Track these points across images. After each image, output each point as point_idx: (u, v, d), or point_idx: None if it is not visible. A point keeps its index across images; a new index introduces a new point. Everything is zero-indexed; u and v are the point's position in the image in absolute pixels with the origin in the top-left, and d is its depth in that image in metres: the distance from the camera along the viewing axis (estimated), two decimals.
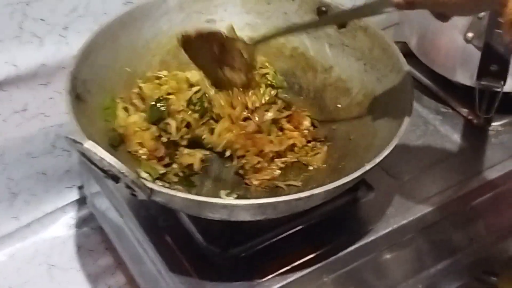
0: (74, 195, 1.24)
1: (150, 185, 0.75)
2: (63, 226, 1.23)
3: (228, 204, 0.78)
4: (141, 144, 0.94)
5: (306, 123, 1.02)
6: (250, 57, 0.96)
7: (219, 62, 0.98)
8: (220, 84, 0.99)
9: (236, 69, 0.97)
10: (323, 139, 1.01)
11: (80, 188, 1.23)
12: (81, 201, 1.24)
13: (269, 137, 0.97)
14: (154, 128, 0.96)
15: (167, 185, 0.92)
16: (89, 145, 0.72)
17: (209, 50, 0.97)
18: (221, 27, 1.10)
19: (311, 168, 0.97)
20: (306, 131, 1.01)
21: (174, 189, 0.91)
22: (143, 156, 0.94)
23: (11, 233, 1.19)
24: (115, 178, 0.73)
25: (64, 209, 1.24)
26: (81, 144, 0.71)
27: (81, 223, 1.25)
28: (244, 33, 1.10)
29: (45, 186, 1.19)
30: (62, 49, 1.06)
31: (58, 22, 1.04)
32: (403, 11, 0.79)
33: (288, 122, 1.01)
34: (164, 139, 0.96)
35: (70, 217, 1.24)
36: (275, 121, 0.99)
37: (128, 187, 0.74)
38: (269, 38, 1.00)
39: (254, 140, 0.95)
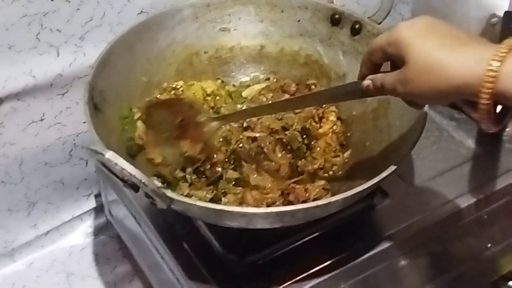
0: (91, 204, 1.25)
1: (170, 194, 0.76)
2: (80, 234, 1.24)
3: (247, 212, 0.78)
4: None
5: (332, 118, 1.04)
6: (213, 132, 0.95)
7: (179, 132, 0.96)
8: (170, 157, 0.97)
9: (194, 143, 0.95)
10: (344, 143, 1.02)
11: (97, 196, 1.24)
12: (98, 209, 1.25)
13: (304, 187, 0.95)
14: None
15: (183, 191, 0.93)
16: (110, 156, 0.72)
17: (170, 119, 0.96)
18: (235, 35, 1.11)
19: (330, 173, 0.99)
20: (335, 127, 1.03)
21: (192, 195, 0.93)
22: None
23: (29, 242, 1.20)
24: (135, 188, 0.74)
25: (82, 217, 1.25)
26: (103, 154, 0.72)
27: (99, 231, 1.26)
28: (258, 41, 1.12)
29: (63, 195, 1.20)
30: (79, 59, 1.07)
31: (75, 32, 1.05)
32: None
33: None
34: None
35: (87, 225, 1.25)
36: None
37: (147, 196, 0.75)
38: (231, 120, 0.99)
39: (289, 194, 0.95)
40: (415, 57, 0.69)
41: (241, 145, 1.00)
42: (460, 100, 0.75)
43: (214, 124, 0.94)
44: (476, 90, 0.65)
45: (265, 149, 0.98)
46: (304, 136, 1.01)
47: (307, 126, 1.02)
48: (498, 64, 0.64)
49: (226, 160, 0.98)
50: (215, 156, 0.98)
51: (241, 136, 1.00)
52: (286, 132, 1.00)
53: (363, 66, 0.80)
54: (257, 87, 1.10)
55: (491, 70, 0.64)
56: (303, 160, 0.99)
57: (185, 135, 0.95)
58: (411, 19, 0.74)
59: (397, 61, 0.73)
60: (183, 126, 0.95)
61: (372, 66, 0.78)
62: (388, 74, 0.75)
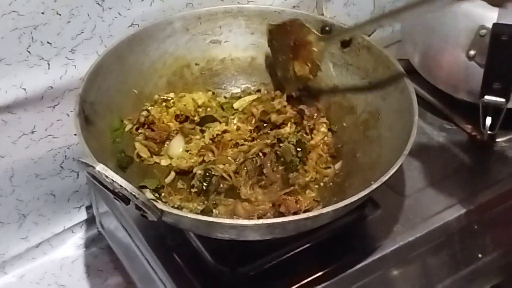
0: (83, 215, 1.25)
1: (160, 206, 0.76)
2: (72, 247, 1.24)
3: (238, 224, 0.78)
4: None
5: (323, 129, 1.05)
6: (320, 52, 1.02)
7: (292, 53, 1.05)
8: (286, 78, 1.07)
9: (304, 63, 1.03)
10: (335, 155, 1.03)
11: (88, 208, 1.24)
12: (90, 221, 1.25)
13: (295, 199, 0.96)
14: None
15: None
16: (100, 168, 0.72)
17: (286, 41, 1.04)
18: (226, 47, 1.12)
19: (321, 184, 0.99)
20: (326, 138, 1.04)
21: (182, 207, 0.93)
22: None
23: (21, 254, 1.20)
24: (126, 200, 0.74)
25: (73, 229, 1.24)
26: (93, 167, 0.72)
27: (90, 243, 1.25)
28: (249, 53, 1.12)
29: (54, 207, 1.20)
30: (69, 72, 1.07)
31: (65, 45, 1.05)
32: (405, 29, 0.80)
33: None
34: None
35: (78, 237, 1.25)
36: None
37: (138, 208, 0.75)
38: (337, 38, 1.06)
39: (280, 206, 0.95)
40: None
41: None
42: None
43: (321, 43, 1.02)
44: None
45: (264, 170, 0.99)
46: (299, 150, 1.01)
47: (301, 138, 1.03)
48: None
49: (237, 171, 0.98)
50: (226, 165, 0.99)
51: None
52: (281, 144, 1.01)
53: None
54: (248, 98, 1.10)
55: None
56: (294, 172, 0.99)
57: (297, 55, 1.04)
58: None
59: None
60: (296, 47, 1.04)
61: None
62: None
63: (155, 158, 1.01)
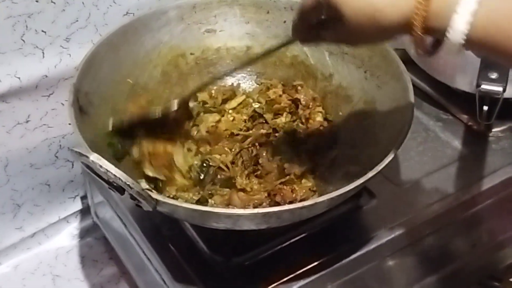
0: (77, 205, 1.25)
1: (155, 196, 0.76)
2: (66, 237, 1.24)
3: (233, 213, 0.78)
4: None
5: (319, 118, 1.04)
6: None
7: None
8: None
9: None
10: (331, 144, 1.03)
11: (83, 198, 1.24)
12: (84, 211, 1.25)
13: (291, 188, 0.96)
14: None
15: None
16: (95, 158, 0.72)
17: None
18: (221, 36, 1.11)
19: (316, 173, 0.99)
20: (321, 128, 1.03)
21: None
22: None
23: (15, 244, 1.20)
24: (120, 190, 0.74)
25: (68, 219, 1.24)
26: (87, 157, 0.72)
27: (85, 233, 1.25)
28: (244, 42, 1.12)
29: (49, 197, 1.20)
30: (64, 61, 1.07)
31: (60, 33, 1.05)
32: None
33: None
34: None
35: (73, 227, 1.25)
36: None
37: (133, 198, 0.74)
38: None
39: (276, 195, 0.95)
40: (350, 9, 0.70)
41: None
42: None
43: None
44: (409, 26, 0.68)
45: (260, 160, 0.98)
46: (293, 140, 1.01)
47: (296, 128, 1.02)
48: None
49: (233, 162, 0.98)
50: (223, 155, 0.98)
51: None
52: (276, 134, 1.00)
53: (296, 32, 0.83)
54: (239, 99, 1.10)
55: (419, 3, 0.66)
56: (290, 162, 0.98)
57: None
58: None
59: (332, 16, 0.73)
60: None
61: (306, 28, 0.81)
62: (326, 30, 0.77)
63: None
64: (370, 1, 0.69)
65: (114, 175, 0.72)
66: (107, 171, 0.72)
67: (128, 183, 0.73)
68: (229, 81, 1.12)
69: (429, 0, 0.66)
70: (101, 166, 0.72)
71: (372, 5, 0.69)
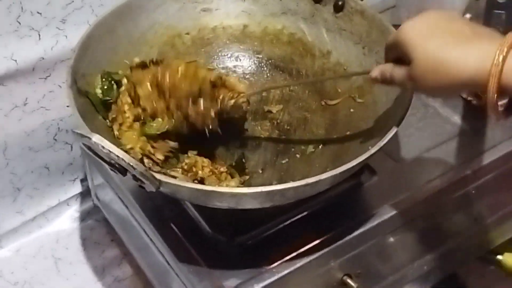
0: (77, 188, 1.24)
1: (159, 176, 0.75)
2: (67, 219, 1.23)
3: (237, 192, 0.78)
4: None
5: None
6: None
7: None
8: None
9: None
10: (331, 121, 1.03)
11: (83, 180, 1.23)
12: (85, 194, 1.24)
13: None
14: None
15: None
16: (97, 139, 0.72)
17: None
18: (218, 15, 1.10)
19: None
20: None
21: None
22: None
23: (16, 228, 1.20)
24: (123, 171, 0.73)
25: (68, 202, 1.24)
26: (89, 138, 0.71)
27: (86, 215, 1.25)
28: (241, 20, 1.11)
29: (48, 180, 1.19)
30: (61, 42, 1.06)
31: (55, 15, 1.04)
32: None
33: None
34: None
35: (74, 210, 1.24)
36: None
37: (136, 179, 0.74)
38: None
39: None
40: (420, 56, 0.72)
41: None
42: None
43: None
44: (482, 85, 0.67)
45: None
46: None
47: None
48: (501, 59, 0.65)
49: None
50: None
51: None
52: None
53: (385, 57, 0.83)
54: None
55: (495, 65, 0.66)
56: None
57: None
58: (416, 17, 0.75)
59: (405, 59, 0.75)
60: None
61: (386, 60, 0.82)
62: (398, 68, 0.77)
63: None
64: (442, 51, 0.70)
65: (117, 155, 0.72)
66: (110, 152, 0.72)
67: (131, 163, 0.72)
68: (227, 60, 1.11)
69: (507, 58, 0.66)
70: (103, 147, 0.72)
71: (442, 55, 0.69)
